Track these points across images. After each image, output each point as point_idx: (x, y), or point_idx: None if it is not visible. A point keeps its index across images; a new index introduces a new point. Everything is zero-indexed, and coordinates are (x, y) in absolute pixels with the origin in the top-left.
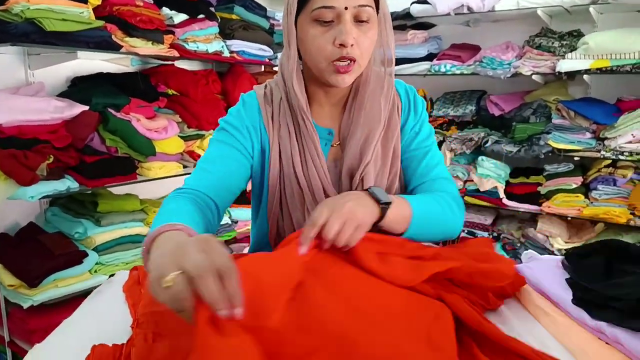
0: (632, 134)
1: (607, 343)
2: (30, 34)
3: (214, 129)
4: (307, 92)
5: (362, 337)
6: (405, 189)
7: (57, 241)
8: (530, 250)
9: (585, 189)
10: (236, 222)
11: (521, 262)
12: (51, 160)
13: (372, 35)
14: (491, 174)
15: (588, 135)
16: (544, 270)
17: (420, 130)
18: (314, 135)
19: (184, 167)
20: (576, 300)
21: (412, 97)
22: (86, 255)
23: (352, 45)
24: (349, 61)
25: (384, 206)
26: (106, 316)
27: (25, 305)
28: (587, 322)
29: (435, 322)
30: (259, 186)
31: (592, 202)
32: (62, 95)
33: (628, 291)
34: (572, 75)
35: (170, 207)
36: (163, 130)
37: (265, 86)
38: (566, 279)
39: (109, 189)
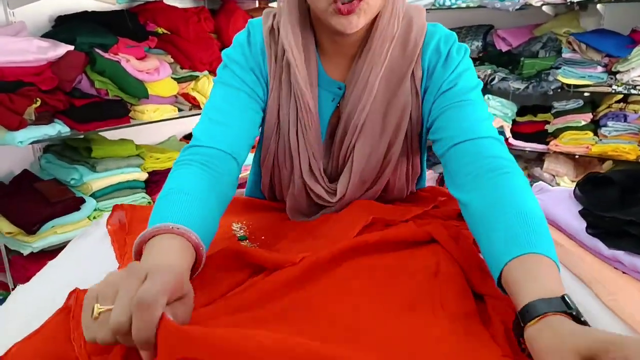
0: None
1: (623, 272)
2: None
3: (208, 70)
4: (316, 37)
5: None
6: (422, 154)
7: (53, 188)
8: (540, 182)
9: (595, 126)
10: None
11: None
12: (38, 103)
13: None
14: (497, 113)
15: (599, 69)
16: (556, 202)
17: (454, 86)
18: (306, 94)
19: (179, 110)
20: (590, 230)
21: (445, 55)
22: (83, 201)
23: None
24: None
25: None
26: (91, 258)
27: (25, 252)
28: (602, 252)
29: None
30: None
31: (601, 140)
32: (46, 36)
33: None
34: (585, 5)
35: (175, 187)
36: (155, 72)
37: (275, 15)
38: (579, 211)
39: (102, 134)
